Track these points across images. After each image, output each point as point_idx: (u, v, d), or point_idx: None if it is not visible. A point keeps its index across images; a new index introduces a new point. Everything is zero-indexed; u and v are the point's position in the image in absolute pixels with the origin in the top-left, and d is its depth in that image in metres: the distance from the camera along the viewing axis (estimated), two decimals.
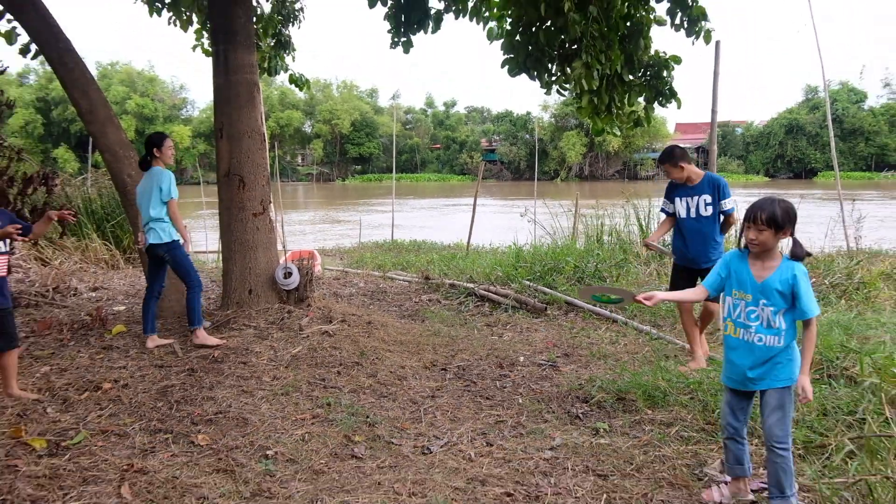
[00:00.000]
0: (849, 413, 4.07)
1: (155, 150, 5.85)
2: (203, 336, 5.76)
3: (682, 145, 5.67)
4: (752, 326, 3.24)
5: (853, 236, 10.59)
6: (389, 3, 6.64)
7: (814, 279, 8.06)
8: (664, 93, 6.63)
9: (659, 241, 5.89)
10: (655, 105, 6.78)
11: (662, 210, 5.81)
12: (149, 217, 5.78)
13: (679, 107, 6.71)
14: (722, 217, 5.44)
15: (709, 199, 5.38)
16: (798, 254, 3.17)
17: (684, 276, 5.62)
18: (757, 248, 3.23)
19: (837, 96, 63.93)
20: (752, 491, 3.40)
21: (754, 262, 3.28)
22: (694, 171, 5.48)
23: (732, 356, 3.34)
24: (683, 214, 5.53)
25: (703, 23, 6.40)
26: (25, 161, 7.57)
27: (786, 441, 3.13)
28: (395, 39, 6.83)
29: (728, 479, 3.46)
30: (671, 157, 5.50)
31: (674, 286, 5.72)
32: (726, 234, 5.81)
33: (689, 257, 5.55)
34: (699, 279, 5.30)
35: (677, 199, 5.56)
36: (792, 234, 3.20)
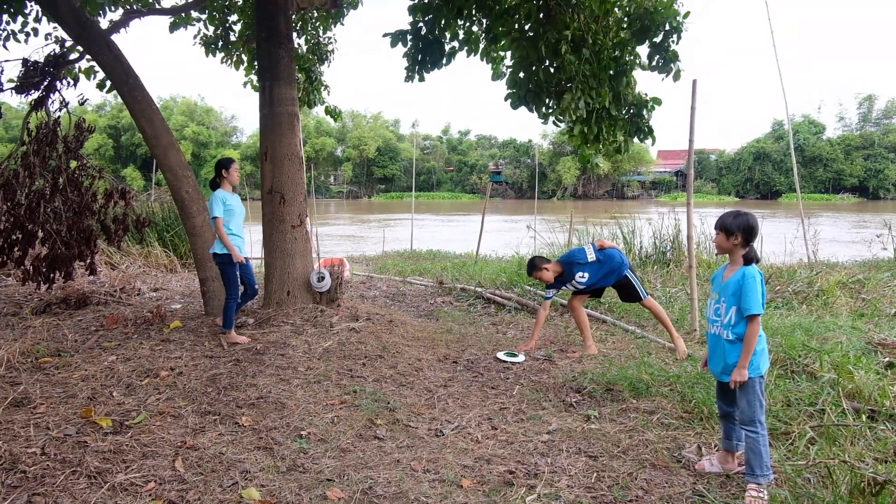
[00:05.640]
0: (810, 404, 4.02)
1: (223, 171, 5.85)
2: (233, 337, 5.73)
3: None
4: (717, 321, 3.26)
5: (812, 250, 10.48)
6: (409, 44, 6.63)
7: (778, 287, 7.98)
8: (643, 129, 6.69)
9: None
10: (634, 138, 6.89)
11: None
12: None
13: (654, 143, 6.97)
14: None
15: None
16: (748, 256, 3.17)
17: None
18: (718, 251, 3.32)
19: (799, 128, 63.40)
20: (740, 465, 3.34)
21: (727, 268, 3.30)
22: (553, 271, 5.79)
23: (709, 350, 3.36)
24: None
25: (674, 63, 6.42)
26: (105, 179, 7.66)
27: (752, 425, 3.09)
28: (410, 74, 6.83)
29: (710, 456, 3.45)
30: (534, 267, 5.82)
31: None
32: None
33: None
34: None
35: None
36: (744, 241, 3.17)
